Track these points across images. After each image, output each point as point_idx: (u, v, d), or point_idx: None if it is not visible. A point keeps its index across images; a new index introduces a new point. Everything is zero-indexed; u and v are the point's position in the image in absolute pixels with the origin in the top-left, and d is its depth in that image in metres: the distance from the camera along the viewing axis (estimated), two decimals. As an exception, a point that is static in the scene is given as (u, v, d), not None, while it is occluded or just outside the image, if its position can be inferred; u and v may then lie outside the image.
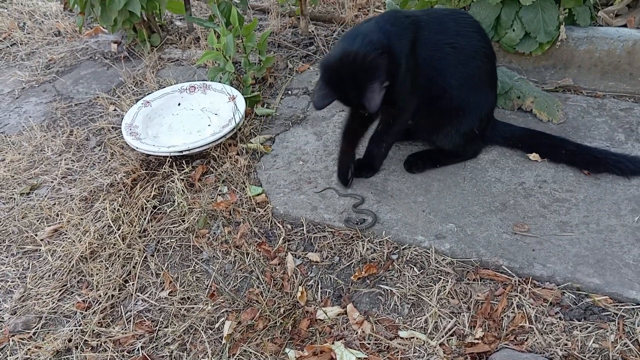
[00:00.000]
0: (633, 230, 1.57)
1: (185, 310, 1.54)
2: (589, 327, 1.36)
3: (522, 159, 1.86)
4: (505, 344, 1.34)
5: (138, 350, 1.45)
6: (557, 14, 2.02)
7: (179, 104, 2.28)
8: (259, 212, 1.80)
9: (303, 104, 2.33)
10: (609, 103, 2.10)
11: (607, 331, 1.35)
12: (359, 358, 1.35)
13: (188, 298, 1.58)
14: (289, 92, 2.43)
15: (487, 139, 1.90)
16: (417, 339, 1.38)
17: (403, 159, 1.90)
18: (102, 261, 1.70)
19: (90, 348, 1.47)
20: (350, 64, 1.51)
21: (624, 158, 1.75)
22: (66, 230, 1.82)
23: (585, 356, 1.30)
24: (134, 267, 1.68)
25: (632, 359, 1.29)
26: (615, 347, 1.31)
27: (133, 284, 1.62)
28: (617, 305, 1.40)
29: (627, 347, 1.32)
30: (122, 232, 1.77)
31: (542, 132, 1.90)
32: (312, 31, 2.82)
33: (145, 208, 1.86)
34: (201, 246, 1.72)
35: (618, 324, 1.36)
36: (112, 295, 1.61)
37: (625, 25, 2.47)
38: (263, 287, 1.58)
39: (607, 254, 1.51)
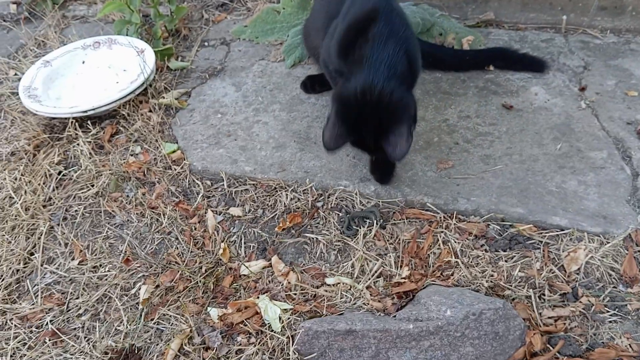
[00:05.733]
0: (555, 158, 1.56)
1: (97, 278, 1.43)
2: (514, 256, 1.35)
3: (446, 96, 1.82)
4: (432, 281, 1.31)
5: (47, 324, 1.33)
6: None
7: (83, 62, 2.09)
8: (175, 170, 1.68)
9: (220, 55, 2.19)
10: (530, 35, 2.07)
11: (532, 259, 1.34)
12: (285, 309, 1.29)
13: (100, 266, 1.46)
14: (205, 43, 2.28)
15: None
16: (343, 284, 1.33)
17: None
18: (3, 235, 1.55)
19: (-7, 327, 1.34)
20: (376, 103, 1.26)
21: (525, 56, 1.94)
22: (-38, 206, 1.65)
23: (511, 285, 1.29)
24: (39, 238, 1.54)
25: (557, 284, 1.29)
26: (541, 274, 1.31)
27: (39, 256, 1.49)
28: (541, 233, 1.39)
29: (552, 273, 1.32)
30: (24, 202, 1.62)
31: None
32: (228, -22, 2.65)
33: (50, 175, 1.70)
34: (113, 211, 1.59)
35: (543, 251, 1.36)
36: (17, 270, 1.47)
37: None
38: (182, 247, 1.48)
39: (530, 183, 1.49)
